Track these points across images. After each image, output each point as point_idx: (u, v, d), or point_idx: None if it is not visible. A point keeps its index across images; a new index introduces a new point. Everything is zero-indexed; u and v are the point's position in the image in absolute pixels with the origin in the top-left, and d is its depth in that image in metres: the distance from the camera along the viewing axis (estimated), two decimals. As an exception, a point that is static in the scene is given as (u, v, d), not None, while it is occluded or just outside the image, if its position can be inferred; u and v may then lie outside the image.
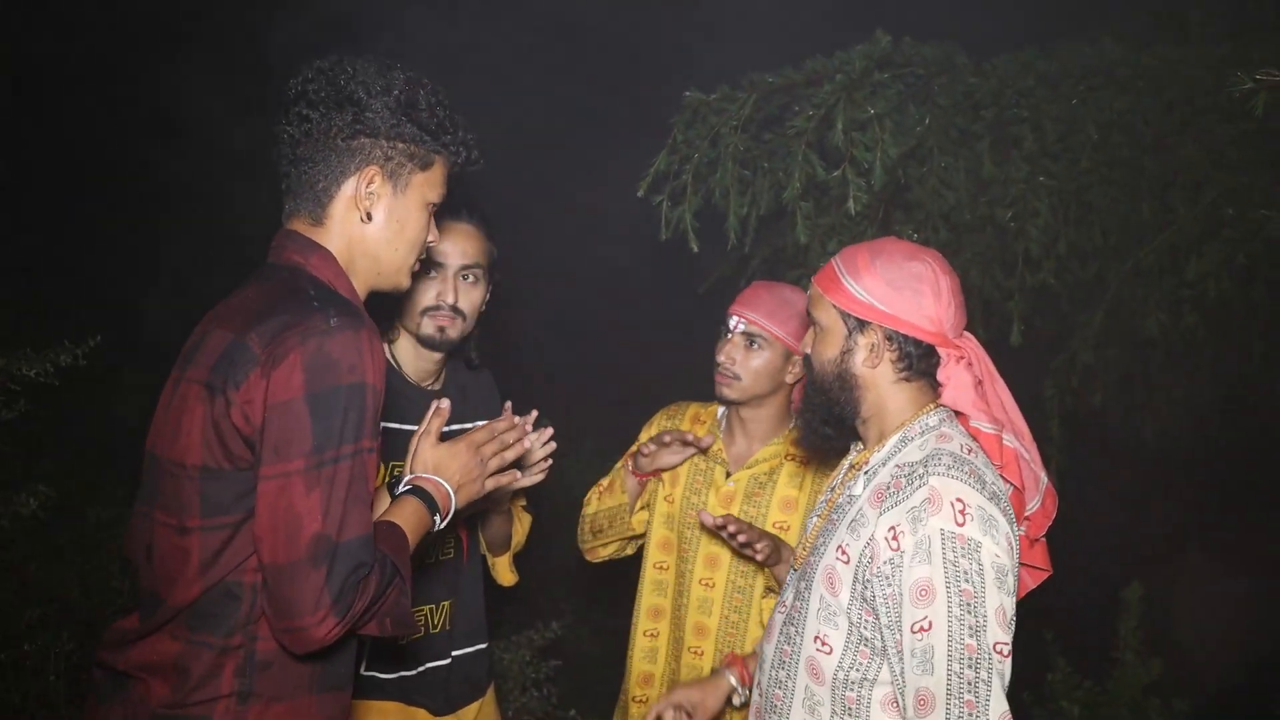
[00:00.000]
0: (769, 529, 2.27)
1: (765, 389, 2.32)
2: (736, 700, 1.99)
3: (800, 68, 3.14)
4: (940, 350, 1.67)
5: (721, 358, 2.32)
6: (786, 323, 2.29)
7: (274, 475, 1.38)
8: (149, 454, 1.53)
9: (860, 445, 1.79)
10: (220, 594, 1.44)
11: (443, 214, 1.79)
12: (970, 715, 1.46)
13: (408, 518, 1.57)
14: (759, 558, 2.05)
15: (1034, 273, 3.30)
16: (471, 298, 2.19)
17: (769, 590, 2.30)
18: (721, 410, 2.46)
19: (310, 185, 1.57)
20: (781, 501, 2.31)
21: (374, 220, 1.59)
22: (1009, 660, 1.50)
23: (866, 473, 1.68)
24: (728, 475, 2.37)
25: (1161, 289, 3.56)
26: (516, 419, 1.78)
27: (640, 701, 2.39)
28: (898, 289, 1.64)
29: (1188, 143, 3.39)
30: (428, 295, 2.15)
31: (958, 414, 1.70)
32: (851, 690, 1.59)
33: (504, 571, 2.44)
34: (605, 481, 2.49)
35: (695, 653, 2.32)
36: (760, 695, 1.77)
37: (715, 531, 2.12)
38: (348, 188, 1.57)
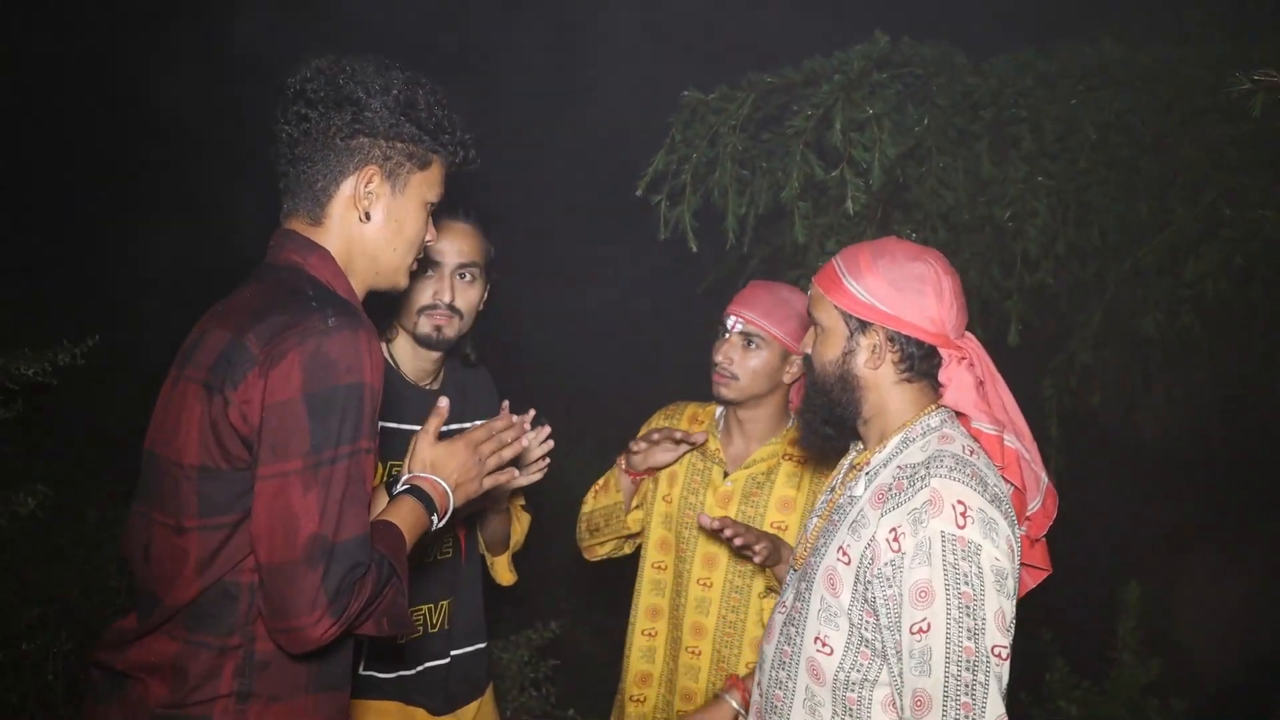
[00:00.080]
0: (767, 529, 2.27)
1: (763, 389, 2.32)
2: None
3: (799, 67, 3.15)
4: (942, 351, 1.66)
5: (719, 357, 2.32)
6: (784, 322, 2.29)
7: (271, 475, 1.38)
8: (147, 452, 1.53)
9: (860, 446, 1.79)
10: (218, 594, 1.44)
11: (439, 213, 1.79)
12: (967, 717, 1.46)
13: (405, 517, 1.57)
14: (757, 560, 2.05)
15: (1032, 272, 3.31)
16: (469, 296, 2.19)
17: (769, 590, 2.30)
18: (719, 410, 2.46)
19: (309, 185, 1.57)
20: (779, 501, 2.31)
21: (373, 220, 1.59)
22: (1007, 663, 1.50)
23: (868, 474, 1.68)
24: (725, 475, 2.37)
25: (1160, 289, 3.56)
26: (514, 417, 1.78)
27: (637, 701, 2.39)
28: (900, 290, 1.64)
29: (1186, 143, 3.39)
30: (425, 294, 2.15)
31: (958, 414, 1.70)
32: (852, 691, 1.59)
33: (503, 571, 2.44)
34: (601, 480, 2.49)
35: (693, 652, 2.32)
36: (761, 695, 1.77)
37: (713, 533, 2.12)
38: (346, 187, 1.57)
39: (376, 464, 1.56)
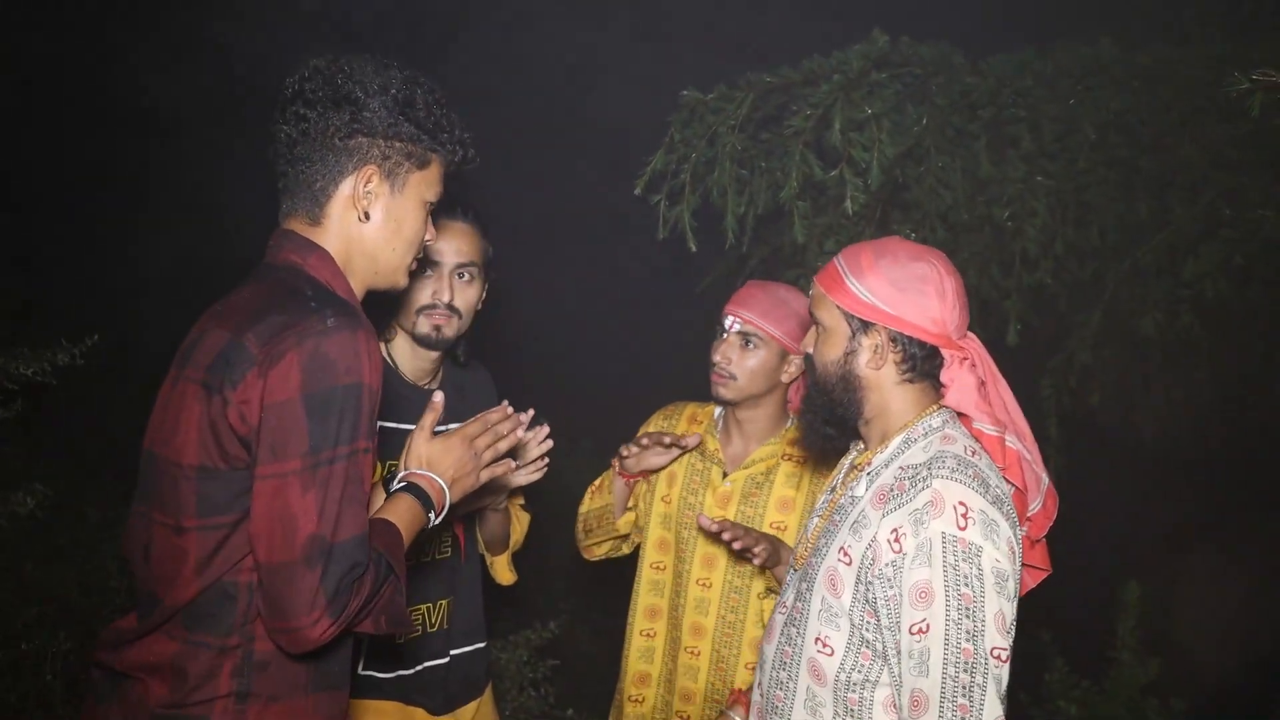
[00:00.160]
0: (766, 529, 2.27)
1: (761, 389, 2.32)
2: None
3: (797, 67, 3.15)
4: (944, 352, 1.66)
5: (717, 357, 2.32)
6: (782, 322, 2.29)
7: (270, 475, 1.38)
8: (147, 452, 1.53)
9: (861, 446, 1.79)
10: (217, 594, 1.44)
11: (438, 212, 1.78)
12: (964, 719, 1.46)
13: (402, 514, 1.57)
14: (756, 561, 2.05)
15: (1031, 272, 3.31)
16: (467, 296, 2.19)
17: (768, 591, 2.30)
18: (718, 410, 2.46)
19: (308, 185, 1.57)
20: (779, 502, 2.31)
21: (372, 220, 1.59)
22: (1007, 665, 1.49)
23: (869, 474, 1.68)
24: (724, 475, 2.37)
25: (1159, 289, 3.56)
26: (510, 410, 1.78)
27: (636, 701, 2.39)
28: (902, 290, 1.63)
29: (1185, 143, 3.39)
30: (423, 294, 2.15)
31: (960, 415, 1.70)
32: (854, 692, 1.59)
33: (502, 571, 2.44)
34: (598, 481, 2.50)
35: (692, 653, 2.32)
36: (761, 696, 1.76)
37: (713, 535, 2.12)
38: (345, 187, 1.57)
39: (375, 464, 1.56)
